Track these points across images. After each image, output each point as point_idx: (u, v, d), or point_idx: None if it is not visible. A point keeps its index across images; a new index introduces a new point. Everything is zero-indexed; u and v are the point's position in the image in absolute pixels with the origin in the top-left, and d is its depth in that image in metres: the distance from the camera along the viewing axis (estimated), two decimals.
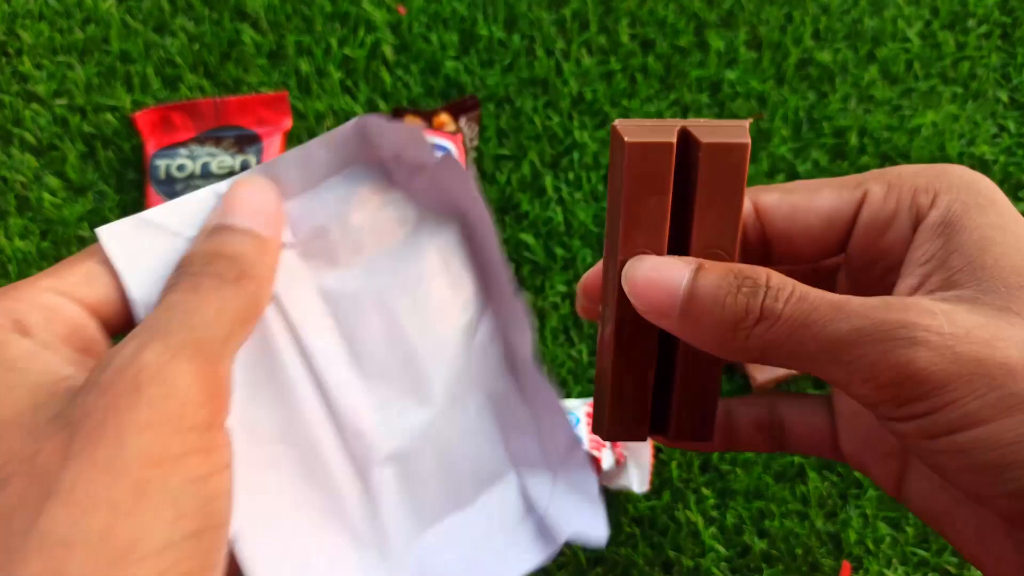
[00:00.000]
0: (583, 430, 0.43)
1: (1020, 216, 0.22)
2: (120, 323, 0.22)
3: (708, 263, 0.22)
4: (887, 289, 0.23)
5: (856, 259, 0.24)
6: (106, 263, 0.22)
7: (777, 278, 0.21)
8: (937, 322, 0.19)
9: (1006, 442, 0.18)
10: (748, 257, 0.25)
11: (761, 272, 0.21)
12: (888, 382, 0.19)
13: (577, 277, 0.48)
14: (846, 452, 0.25)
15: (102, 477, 0.17)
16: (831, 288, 0.22)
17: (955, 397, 0.19)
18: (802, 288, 0.20)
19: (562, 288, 0.48)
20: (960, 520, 0.22)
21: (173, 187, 0.49)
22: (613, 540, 0.45)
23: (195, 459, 0.18)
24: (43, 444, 0.18)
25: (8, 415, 0.19)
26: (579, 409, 0.44)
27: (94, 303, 0.21)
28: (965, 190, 0.22)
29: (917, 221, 0.22)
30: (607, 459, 0.42)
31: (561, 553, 0.45)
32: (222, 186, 0.22)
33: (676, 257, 0.22)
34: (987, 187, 0.22)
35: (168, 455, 0.18)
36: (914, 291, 0.21)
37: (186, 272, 0.21)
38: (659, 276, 0.22)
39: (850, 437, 0.25)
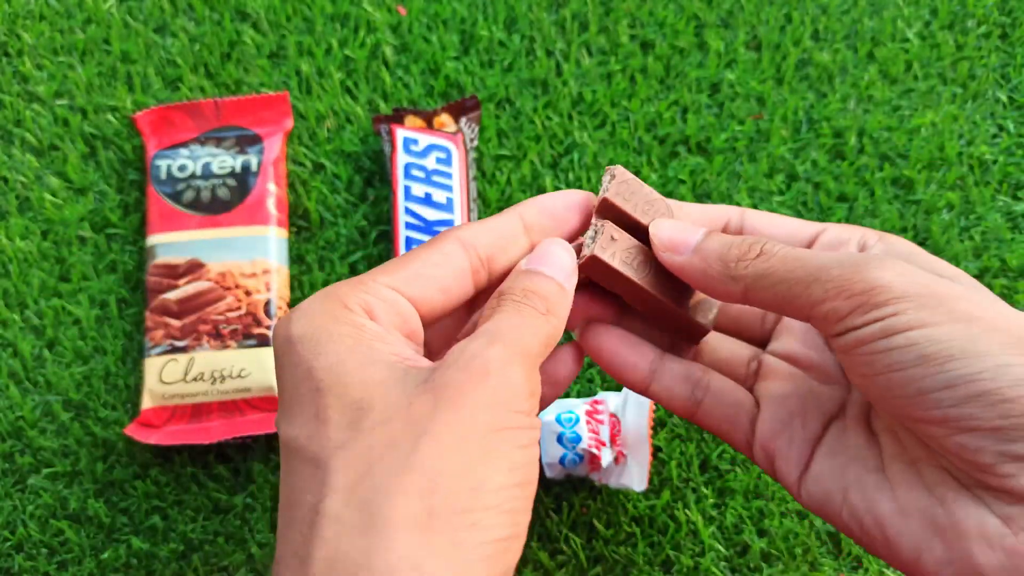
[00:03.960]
0: (583, 428, 0.43)
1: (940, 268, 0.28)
2: (433, 318, 0.28)
3: (716, 232, 0.29)
4: None
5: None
6: (426, 264, 0.27)
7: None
8: (898, 262, 0.25)
9: (947, 338, 0.23)
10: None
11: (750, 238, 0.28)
12: (859, 292, 0.25)
13: None
14: (761, 434, 0.30)
15: (462, 431, 0.23)
16: None
17: (911, 306, 0.24)
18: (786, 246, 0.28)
19: None
20: (867, 491, 0.27)
21: (174, 187, 0.49)
22: (612, 539, 0.45)
23: (521, 433, 0.24)
24: (414, 400, 0.23)
25: (382, 376, 0.24)
26: (579, 408, 0.44)
27: (417, 298, 0.27)
28: (900, 242, 0.29)
29: (863, 249, 0.29)
30: (606, 457, 0.43)
31: (561, 552, 0.45)
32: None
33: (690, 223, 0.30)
34: (918, 248, 0.29)
35: (505, 426, 0.24)
36: None
37: (509, 299, 0.26)
38: (679, 229, 0.29)
39: (772, 417, 0.30)
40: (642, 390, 0.32)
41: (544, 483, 0.46)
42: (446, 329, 0.31)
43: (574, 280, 0.28)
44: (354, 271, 0.50)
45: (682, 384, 0.32)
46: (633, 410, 0.43)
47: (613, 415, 0.44)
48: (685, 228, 0.29)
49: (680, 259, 0.28)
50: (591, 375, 0.47)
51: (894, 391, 0.25)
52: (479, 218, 0.50)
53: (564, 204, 0.30)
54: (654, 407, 0.44)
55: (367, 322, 0.25)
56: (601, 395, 0.45)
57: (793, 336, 0.32)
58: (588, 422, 0.43)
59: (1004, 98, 0.51)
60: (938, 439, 0.25)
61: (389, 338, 0.25)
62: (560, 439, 0.43)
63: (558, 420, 0.43)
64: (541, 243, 0.29)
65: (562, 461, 0.43)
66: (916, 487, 0.26)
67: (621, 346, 0.32)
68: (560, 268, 0.28)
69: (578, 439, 0.43)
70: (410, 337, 0.26)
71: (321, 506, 0.22)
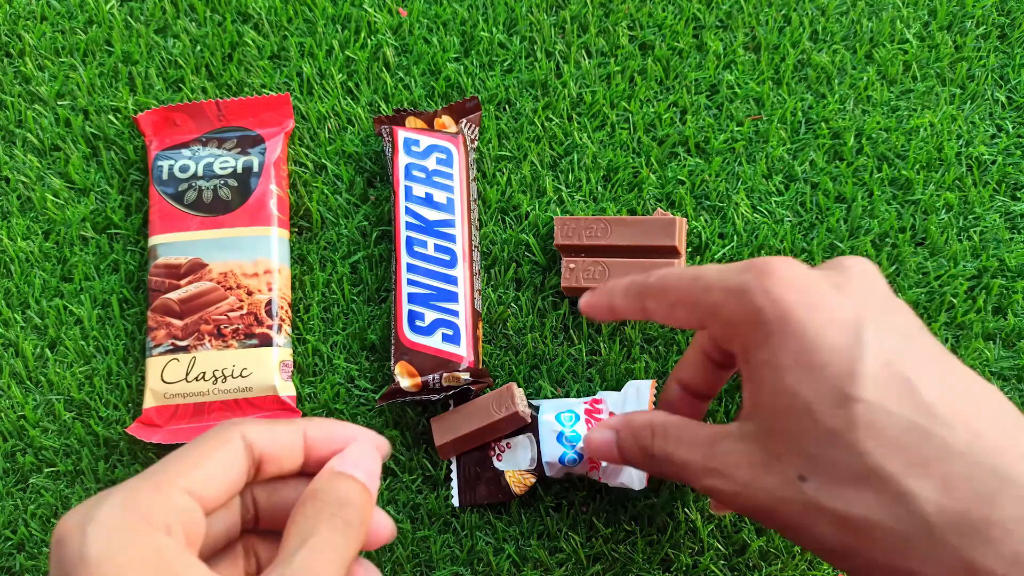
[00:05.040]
0: (583, 427, 0.43)
1: (807, 334, 0.28)
2: (209, 513, 0.28)
3: (621, 426, 0.36)
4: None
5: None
6: (218, 464, 0.28)
7: (658, 437, 0.34)
8: (728, 484, 0.30)
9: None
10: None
11: (647, 434, 0.35)
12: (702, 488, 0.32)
13: None
14: None
15: None
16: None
17: (750, 518, 0.36)
18: (671, 449, 0.33)
19: None
20: None
21: (176, 188, 0.50)
22: (611, 538, 0.45)
23: None
24: None
25: None
26: (578, 407, 0.44)
27: (206, 499, 0.27)
28: (749, 328, 0.30)
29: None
30: None
31: (560, 550, 0.45)
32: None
33: (605, 423, 0.37)
34: (775, 312, 0.29)
35: None
36: (744, 406, 0.31)
37: (324, 514, 0.28)
38: (596, 441, 0.37)
39: None
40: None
41: (544, 482, 0.46)
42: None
43: (377, 482, 0.30)
44: (355, 271, 0.50)
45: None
46: (632, 409, 0.44)
47: (612, 414, 0.44)
48: (600, 437, 0.37)
49: (614, 458, 0.36)
50: (591, 374, 0.48)
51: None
52: (480, 219, 0.50)
53: (345, 436, 0.31)
54: (653, 406, 0.44)
55: (167, 543, 0.25)
56: (601, 394, 0.45)
57: None
58: (588, 421, 0.43)
59: (1003, 98, 0.51)
60: None
61: (184, 563, 0.25)
62: (560, 438, 0.43)
63: (558, 419, 0.44)
64: (354, 443, 0.30)
65: (562, 460, 0.43)
66: None
67: None
68: (369, 472, 0.30)
69: (577, 438, 0.43)
70: (193, 543, 0.27)
71: None
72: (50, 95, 0.53)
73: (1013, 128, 0.50)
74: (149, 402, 0.47)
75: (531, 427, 0.44)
